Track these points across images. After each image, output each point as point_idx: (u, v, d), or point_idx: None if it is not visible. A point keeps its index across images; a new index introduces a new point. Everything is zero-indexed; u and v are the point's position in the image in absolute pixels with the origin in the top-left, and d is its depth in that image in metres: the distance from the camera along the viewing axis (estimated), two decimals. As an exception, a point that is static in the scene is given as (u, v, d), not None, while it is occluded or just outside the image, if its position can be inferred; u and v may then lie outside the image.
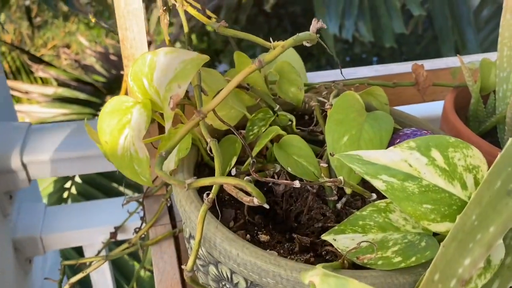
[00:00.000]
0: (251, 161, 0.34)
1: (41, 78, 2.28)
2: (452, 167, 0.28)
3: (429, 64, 0.59)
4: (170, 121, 0.35)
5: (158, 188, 0.54)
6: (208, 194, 0.29)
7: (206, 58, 0.35)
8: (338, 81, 0.49)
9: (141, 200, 0.56)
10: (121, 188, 1.08)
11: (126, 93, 0.50)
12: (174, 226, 0.51)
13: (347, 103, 0.38)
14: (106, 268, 0.72)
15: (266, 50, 0.54)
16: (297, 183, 0.30)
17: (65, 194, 1.17)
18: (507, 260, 0.28)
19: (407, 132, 0.38)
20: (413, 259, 0.28)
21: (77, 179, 1.19)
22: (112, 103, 0.38)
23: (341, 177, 0.32)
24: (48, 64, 2.39)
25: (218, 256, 0.30)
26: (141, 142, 0.36)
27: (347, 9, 2.01)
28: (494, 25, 1.93)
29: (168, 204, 0.54)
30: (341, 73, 0.40)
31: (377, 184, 0.28)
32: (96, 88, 2.20)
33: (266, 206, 0.27)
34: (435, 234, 0.30)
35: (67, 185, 1.19)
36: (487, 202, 0.26)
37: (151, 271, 0.78)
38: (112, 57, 2.63)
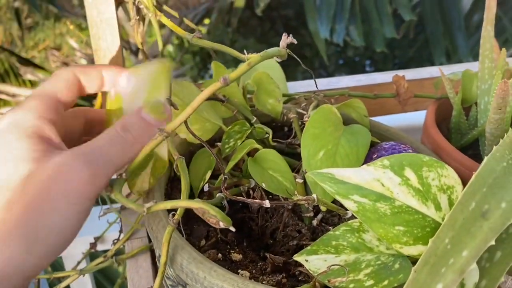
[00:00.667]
0: (223, 178, 0.33)
1: (30, 81, 2.26)
2: (426, 187, 0.27)
3: (413, 73, 0.59)
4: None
5: (136, 200, 0.53)
6: (173, 215, 0.28)
7: (167, 66, 0.34)
8: (319, 92, 0.48)
9: (119, 211, 0.55)
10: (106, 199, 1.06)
11: (101, 106, 0.49)
12: (150, 240, 0.50)
13: (324, 117, 0.37)
14: (87, 280, 0.71)
15: (259, 51, 0.54)
16: (267, 203, 0.29)
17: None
18: (482, 283, 0.27)
19: (385, 146, 0.37)
20: (386, 282, 0.27)
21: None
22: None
23: (314, 195, 0.31)
24: (37, 66, 2.36)
25: (186, 278, 0.29)
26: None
27: (338, 13, 2.01)
28: (484, 30, 1.92)
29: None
30: (316, 85, 0.38)
31: (348, 205, 0.27)
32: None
33: (232, 229, 0.26)
34: (409, 257, 0.29)
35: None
36: (461, 224, 0.26)
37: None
38: (103, 60, 2.61)
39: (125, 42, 2.84)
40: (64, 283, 0.48)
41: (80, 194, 0.25)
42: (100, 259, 0.48)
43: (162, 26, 0.44)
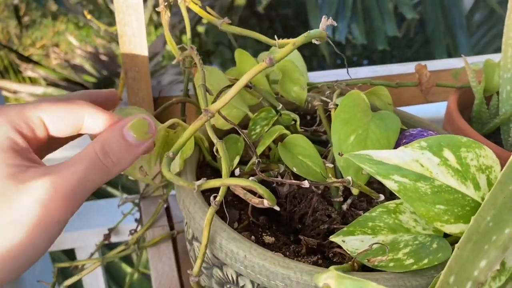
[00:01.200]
0: (256, 161, 0.33)
1: (29, 78, 2.25)
2: (464, 167, 0.28)
3: (430, 65, 0.59)
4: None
5: (155, 189, 0.53)
6: (215, 197, 0.28)
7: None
8: (341, 81, 0.48)
9: (137, 201, 0.55)
10: (116, 192, 1.06)
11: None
12: (172, 227, 0.50)
13: (353, 103, 0.37)
14: (99, 271, 0.71)
15: (257, 51, 0.54)
16: (306, 183, 0.30)
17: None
18: (522, 262, 0.28)
19: (413, 132, 0.38)
20: (426, 261, 0.27)
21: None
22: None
23: (349, 177, 0.31)
24: (37, 63, 2.36)
25: (224, 258, 0.29)
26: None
27: (340, 11, 2.01)
28: (486, 29, 1.95)
29: (165, 206, 0.53)
30: (347, 72, 0.39)
31: (389, 184, 0.27)
32: (86, 88, 2.18)
33: (277, 208, 0.26)
34: (445, 236, 0.29)
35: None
36: (502, 203, 0.26)
37: (144, 274, 0.76)
38: (103, 57, 2.61)
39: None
40: (85, 272, 0.48)
41: (51, 220, 0.24)
42: (122, 247, 0.48)
43: (160, 25, 0.45)
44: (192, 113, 0.47)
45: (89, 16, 0.51)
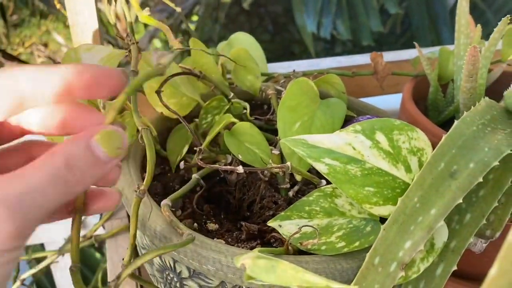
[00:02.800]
0: (198, 149, 0.33)
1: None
2: (396, 150, 0.28)
3: (393, 55, 0.59)
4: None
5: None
6: (140, 185, 0.28)
7: (122, 53, 0.34)
8: (298, 72, 0.48)
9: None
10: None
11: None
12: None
13: (300, 90, 0.37)
14: (68, 264, 0.70)
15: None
16: (240, 169, 0.29)
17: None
18: (451, 244, 0.28)
19: (361, 119, 0.38)
20: (357, 243, 0.27)
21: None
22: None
23: (288, 163, 0.31)
24: (22, 62, 2.34)
25: (159, 245, 0.29)
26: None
27: (325, 7, 2.01)
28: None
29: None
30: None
31: (319, 167, 0.27)
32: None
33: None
34: (382, 220, 0.29)
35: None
36: (430, 184, 0.26)
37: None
38: (89, 55, 2.59)
39: (112, 38, 2.82)
40: (42, 264, 0.47)
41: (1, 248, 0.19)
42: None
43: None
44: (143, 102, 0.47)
45: (59, 6, 0.51)
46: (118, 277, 0.26)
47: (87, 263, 0.87)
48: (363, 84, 0.57)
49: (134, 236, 0.28)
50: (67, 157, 0.21)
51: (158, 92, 0.35)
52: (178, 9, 0.45)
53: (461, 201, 0.25)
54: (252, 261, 0.22)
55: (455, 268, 0.27)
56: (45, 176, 0.20)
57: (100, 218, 0.52)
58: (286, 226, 0.29)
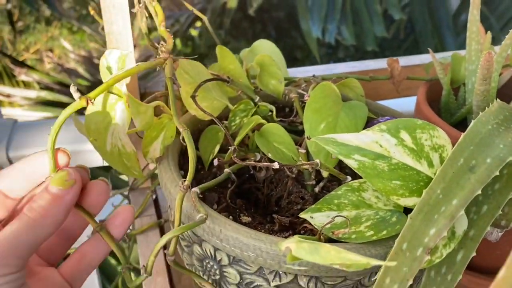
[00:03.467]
0: (233, 148, 0.36)
1: (23, 82, 2.26)
2: (419, 147, 0.30)
3: (405, 60, 0.62)
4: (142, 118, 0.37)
5: (143, 181, 0.55)
6: (184, 181, 0.31)
7: (125, 54, 0.36)
8: (317, 76, 0.51)
9: (126, 193, 0.57)
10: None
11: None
12: (159, 217, 0.53)
13: (324, 93, 0.40)
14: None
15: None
16: (276, 165, 0.32)
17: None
18: (470, 232, 0.30)
19: (381, 120, 0.40)
20: (384, 232, 0.30)
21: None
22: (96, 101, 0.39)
23: (317, 160, 0.34)
24: (31, 68, 2.37)
25: (202, 234, 0.32)
26: (126, 137, 0.37)
27: (330, 13, 2.05)
28: (471, 29, 1.98)
29: (154, 197, 0.55)
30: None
31: (350, 162, 0.30)
32: (80, 91, 2.20)
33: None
34: (406, 211, 0.32)
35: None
36: (451, 177, 0.29)
37: (136, 269, 0.79)
38: (96, 61, 2.63)
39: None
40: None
41: None
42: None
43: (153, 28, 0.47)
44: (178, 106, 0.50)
45: (92, 12, 0.54)
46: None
47: (104, 271, 0.90)
48: (377, 88, 0.60)
49: (179, 220, 0.30)
50: (29, 204, 0.28)
51: (193, 97, 0.38)
52: (205, 18, 0.47)
53: (480, 192, 0.28)
54: (296, 244, 0.24)
55: (474, 254, 0.30)
56: (14, 225, 0.27)
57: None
58: (317, 217, 0.32)
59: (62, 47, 3.23)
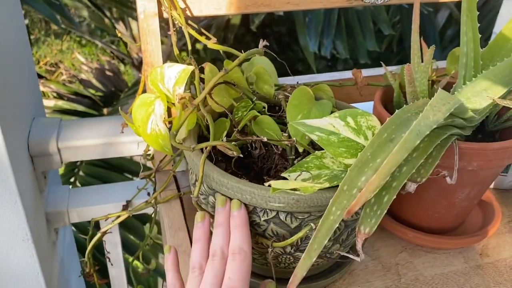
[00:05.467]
0: (237, 130, 0.51)
1: (41, 92, 2.43)
2: (358, 127, 0.46)
3: (372, 71, 0.78)
4: (180, 109, 0.53)
5: (166, 164, 0.71)
6: (207, 147, 0.46)
7: (191, 68, 0.52)
8: (300, 83, 0.66)
9: (152, 176, 0.73)
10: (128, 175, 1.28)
11: (143, 91, 0.67)
12: (179, 190, 0.68)
13: (301, 94, 0.55)
14: (117, 239, 0.88)
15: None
16: (264, 138, 0.48)
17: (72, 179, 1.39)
18: (393, 183, 0.46)
19: (343, 113, 0.56)
20: (335, 182, 0.45)
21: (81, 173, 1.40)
22: (139, 99, 0.55)
23: (294, 139, 0.50)
24: (43, 77, 2.54)
25: (216, 186, 0.47)
26: (162, 123, 0.53)
27: (325, 29, 2.21)
28: (456, 44, 2.14)
29: (174, 177, 0.71)
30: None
31: (313, 137, 0.45)
32: (94, 101, 2.37)
33: (241, 155, 0.45)
34: (352, 172, 0.47)
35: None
36: (377, 145, 0.44)
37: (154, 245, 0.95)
38: (108, 73, 2.80)
39: (126, 56, 3.03)
40: (116, 220, 0.65)
41: None
42: (143, 205, 0.66)
43: (161, 43, 0.63)
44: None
45: (120, 34, 0.69)
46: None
47: (136, 231, 1.05)
48: (350, 93, 0.75)
49: (202, 178, 0.46)
50: None
51: (209, 94, 0.53)
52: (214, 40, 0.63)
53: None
54: (275, 181, 0.40)
55: (394, 197, 0.45)
56: None
57: (154, 191, 0.70)
58: (292, 175, 0.47)
59: (75, 59, 3.41)
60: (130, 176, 1.39)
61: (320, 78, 0.76)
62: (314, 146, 0.57)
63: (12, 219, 0.67)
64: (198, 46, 2.98)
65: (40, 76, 2.56)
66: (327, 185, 0.45)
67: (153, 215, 0.67)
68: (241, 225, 0.45)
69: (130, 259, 1.02)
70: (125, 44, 3.04)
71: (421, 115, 0.40)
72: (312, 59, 2.20)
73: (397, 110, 0.46)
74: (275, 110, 0.66)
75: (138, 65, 2.85)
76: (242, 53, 0.51)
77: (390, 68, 0.83)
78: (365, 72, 0.69)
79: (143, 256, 0.74)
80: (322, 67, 2.96)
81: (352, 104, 0.67)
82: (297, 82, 0.66)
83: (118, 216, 0.65)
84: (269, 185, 0.42)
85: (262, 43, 0.48)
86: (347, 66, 3.05)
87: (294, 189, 0.42)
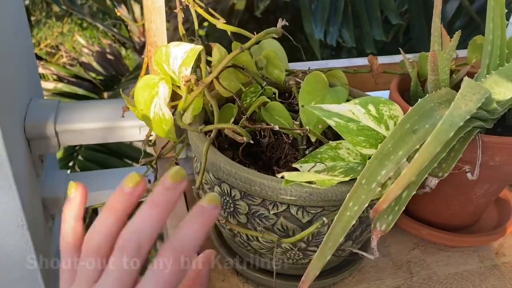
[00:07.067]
0: (245, 117, 0.48)
1: (42, 75, 2.39)
2: (380, 115, 0.43)
3: (388, 59, 0.74)
4: (185, 92, 0.49)
5: (168, 151, 0.67)
6: (210, 134, 0.43)
7: (200, 48, 0.48)
8: (312, 69, 0.63)
9: (153, 163, 0.70)
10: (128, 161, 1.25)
11: (146, 73, 0.64)
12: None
13: (315, 79, 0.52)
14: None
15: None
16: (276, 127, 0.44)
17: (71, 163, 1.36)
18: (411, 178, 0.42)
19: (359, 101, 0.52)
20: (351, 175, 0.42)
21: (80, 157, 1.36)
22: (142, 80, 0.52)
23: (307, 127, 0.46)
24: (43, 59, 2.50)
25: (222, 176, 0.44)
26: (166, 107, 0.50)
27: (332, 16, 2.17)
28: (465, 35, 2.09)
29: (176, 162, 0.67)
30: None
31: (330, 122, 0.42)
32: (94, 84, 2.33)
33: (251, 141, 0.41)
34: (369, 164, 0.44)
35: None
36: (399, 136, 0.41)
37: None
38: (109, 57, 2.75)
39: (128, 40, 2.98)
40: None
41: None
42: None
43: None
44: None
45: (119, 13, 0.66)
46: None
47: None
48: (363, 81, 0.72)
49: (204, 166, 0.42)
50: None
51: (217, 78, 0.50)
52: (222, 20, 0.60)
53: (418, 146, 0.40)
54: (288, 173, 0.36)
55: (414, 192, 0.42)
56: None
57: (155, 179, 0.67)
58: (305, 167, 0.44)
59: (76, 42, 3.36)
60: (130, 161, 1.35)
61: (331, 64, 0.72)
62: (326, 136, 0.53)
63: (7, 204, 0.63)
64: (201, 32, 2.93)
65: (40, 58, 2.52)
66: (345, 178, 0.42)
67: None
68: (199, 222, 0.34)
69: (129, 247, 0.99)
70: (127, 27, 2.99)
71: (452, 105, 0.37)
72: (318, 47, 2.16)
73: (419, 100, 0.43)
74: (285, 96, 0.62)
75: (139, 49, 2.81)
76: (254, 34, 0.47)
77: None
78: (379, 60, 0.66)
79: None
80: (325, 55, 2.92)
81: (366, 93, 0.63)
82: (309, 68, 0.63)
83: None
84: (282, 177, 0.39)
85: (280, 22, 0.44)
86: (352, 56, 3.00)
87: (309, 182, 0.39)
